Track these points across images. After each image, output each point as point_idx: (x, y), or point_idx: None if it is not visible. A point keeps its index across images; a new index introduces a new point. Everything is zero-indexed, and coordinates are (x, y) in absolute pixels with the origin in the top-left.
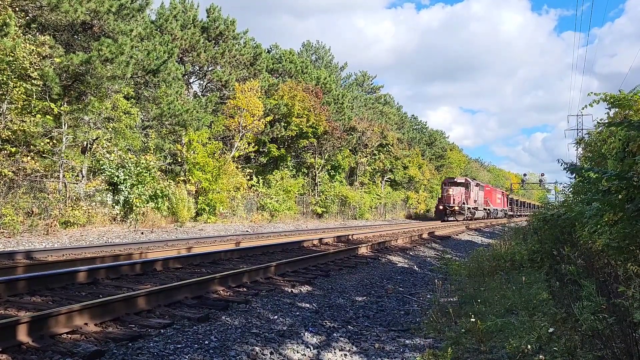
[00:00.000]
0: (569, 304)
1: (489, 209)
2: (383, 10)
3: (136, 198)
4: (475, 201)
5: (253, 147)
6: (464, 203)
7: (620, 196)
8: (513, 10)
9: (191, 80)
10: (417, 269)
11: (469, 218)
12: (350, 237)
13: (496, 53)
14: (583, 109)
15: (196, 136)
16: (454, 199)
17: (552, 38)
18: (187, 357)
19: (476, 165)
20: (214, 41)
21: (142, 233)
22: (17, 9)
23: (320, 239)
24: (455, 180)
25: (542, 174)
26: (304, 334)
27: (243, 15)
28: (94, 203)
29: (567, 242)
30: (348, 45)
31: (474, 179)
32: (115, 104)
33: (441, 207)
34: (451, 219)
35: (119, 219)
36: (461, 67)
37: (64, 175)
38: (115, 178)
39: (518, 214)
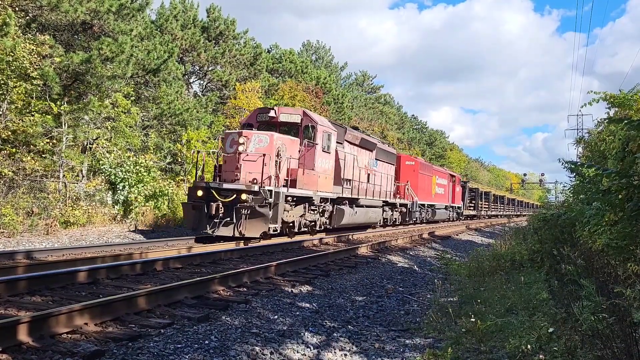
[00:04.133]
0: (568, 304)
1: (406, 205)
2: (385, 10)
3: (136, 197)
4: (348, 181)
5: None
6: (292, 182)
7: (620, 196)
8: (515, 10)
9: (191, 80)
10: (417, 268)
11: (309, 230)
12: (350, 237)
13: (498, 53)
14: (582, 107)
15: (195, 135)
16: (238, 168)
17: (554, 38)
18: (187, 357)
19: (476, 165)
20: (214, 41)
21: (143, 233)
22: (17, 8)
23: (320, 239)
24: (272, 116)
25: (542, 174)
26: (304, 334)
27: (244, 15)
28: (94, 203)
29: (567, 242)
30: (350, 45)
31: (365, 132)
32: (115, 103)
33: (200, 193)
34: (223, 232)
35: (118, 219)
36: (463, 67)
37: (64, 175)
38: (114, 177)
39: (490, 213)
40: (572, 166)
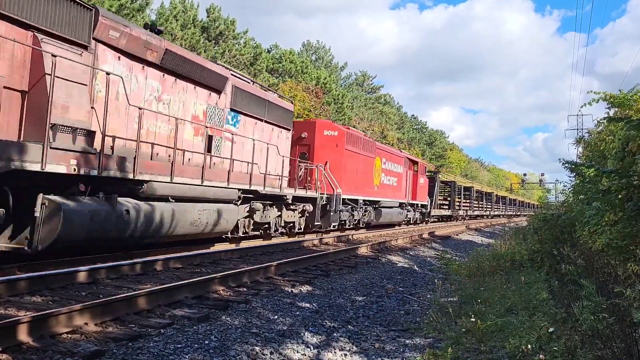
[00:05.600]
0: (569, 304)
1: (315, 200)
2: (386, 10)
3: None
4: (87, 137)
5: None
6: None
7: (620, 196)
8: (516, 10)
9: None
10: (417, 268)
11: None
12: (350, 237)
13: (498, 53)
14: (582, 107)
15: None
16: None
17: (555, 38)
18: (187, 357)
19: (476, 165)
20: (214, 41)
21: None
22: None
23: (320, 239)
24: None
25: (542, 174)
26: (304, 334)
27: (244, 15)
28: None
29: (567, 242)
30: (350, 45)
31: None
32: None
33: None
34: None
35: None
36: (463, 67)
37: None
38: None
39: (471, 214)
40: (572, 166)
